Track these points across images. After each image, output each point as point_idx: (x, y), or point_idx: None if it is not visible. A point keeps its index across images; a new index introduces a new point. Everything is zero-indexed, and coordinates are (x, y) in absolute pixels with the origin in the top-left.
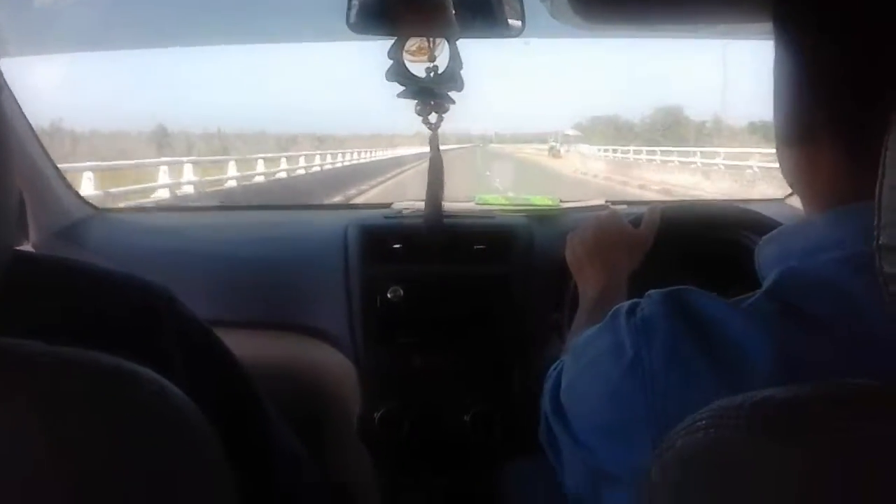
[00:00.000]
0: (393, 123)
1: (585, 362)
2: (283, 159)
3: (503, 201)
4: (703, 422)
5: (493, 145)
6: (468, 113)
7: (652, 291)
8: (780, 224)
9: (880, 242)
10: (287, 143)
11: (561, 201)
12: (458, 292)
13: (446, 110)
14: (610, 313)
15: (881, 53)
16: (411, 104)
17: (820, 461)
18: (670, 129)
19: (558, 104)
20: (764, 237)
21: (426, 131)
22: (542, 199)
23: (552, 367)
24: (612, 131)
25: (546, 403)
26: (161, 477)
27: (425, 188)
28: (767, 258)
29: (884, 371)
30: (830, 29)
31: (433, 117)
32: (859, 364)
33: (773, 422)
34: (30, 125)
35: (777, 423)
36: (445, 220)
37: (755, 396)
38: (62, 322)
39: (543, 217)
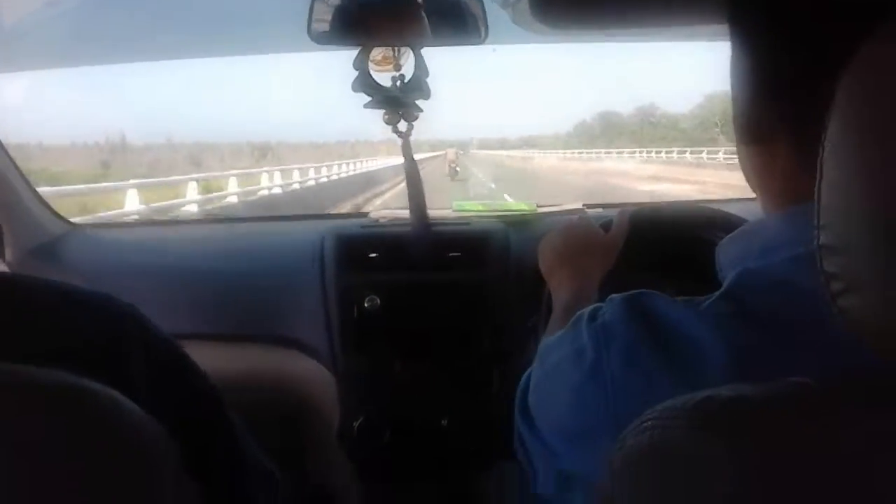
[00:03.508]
0: (356, 129)
1: (550, 366)
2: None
3: (480, 207)
4: (650, 422)
5: (476, 151)
6: (444, 119)
7: (613, 296)
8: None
9: (820, 242)
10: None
11: (538, 206)
12: (435, 300)
13: (415, 118)
14: (573, 319)
15: (829, 53)
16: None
17: (759, 458)
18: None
19: (541, 108)
20: (724, 238)
21: (395, 137)
22: (517, 204)
23: (525, 375)
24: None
25: (516, 406)
26: (114, 492)
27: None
28: (727, 258)
29: (838, 367)
30: (781, 30)
31: (402, 125)
32: (815, 361)
33: (714, 420)
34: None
35: (718, 421)
36: (412, 229)
37: (698, 396)
38: (28, 341)
39: (520, 222)
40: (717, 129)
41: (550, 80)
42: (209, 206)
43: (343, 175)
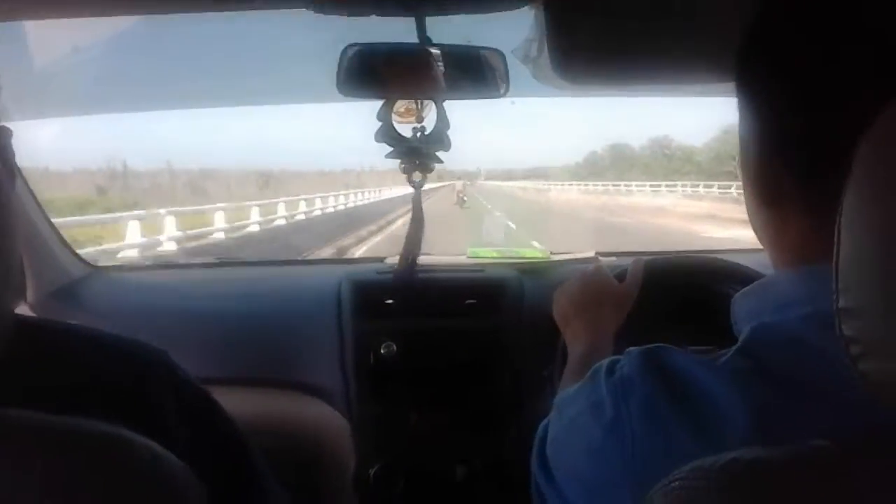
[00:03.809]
0: (362, 158)
1: (568, 419)
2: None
3: (494, 254)
4: (678, 482)
5: (484, 182)
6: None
7: (630, 349)
8: (763, 275)
9: (839, 305)
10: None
11: (551, 253)
12: (450, 347)
13: (431, 170)
14: (590, 372)
15: (842, 118)
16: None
17: None
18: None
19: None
20: (737, 293)
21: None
22: (532, 252)
23: (542, 425)
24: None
25: (534, 458)
26: None
27: None
28: (741, 312)
29: (851, 425)
30: (789, 91)
31: (417, 176)
32: (828, 418)
33: (739, 482)
34: (26, 182)
35: (743, 482)
36: (438, 275)
37: (724, 458)
38: (61, 389)
39: (533, 269)
40: (735, 163)
41: (558, 112)
42: (193, 244)
43: (352, 205)
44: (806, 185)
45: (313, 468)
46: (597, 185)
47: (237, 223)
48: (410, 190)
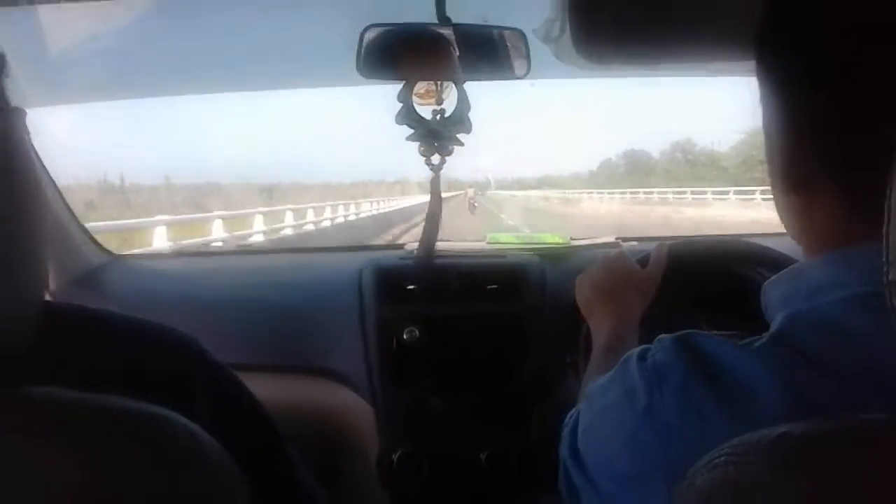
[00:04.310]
0: (370, 170)
1: (600, 409)
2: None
3: (514, 240)
4: (723, 458)
5: (496, 192)
6: (458, 158)
7: (662, 336)
8: (788, 257)
9: (890, 278)
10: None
11: (571, 239)
12: (473, 332)
13: (450, 153)
14: (622, 360)
15: (870, 97)
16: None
17: (837, 494)
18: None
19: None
20: (768, 280)
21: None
22: (552, 237)
23: (569, 414)
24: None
25: (564, 450)
26: None
27: None
28: (773, 300)
29: (891, 408)
30: (819, 77)
31: (436, 159)
32: (867, 403)
33: (789, 456)
34: (46, 171)
35: (793, 457)
36: (459, 261)
37: (774, 432)
38: (93, 373)
39: (554, 255)
40: (763, 168)
41: (569, 117)
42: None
43: (365, 214)
44: (835, 167)
45: (337, 454)
46: (647, 192)
47: (237, 233)
48: (415, 201)
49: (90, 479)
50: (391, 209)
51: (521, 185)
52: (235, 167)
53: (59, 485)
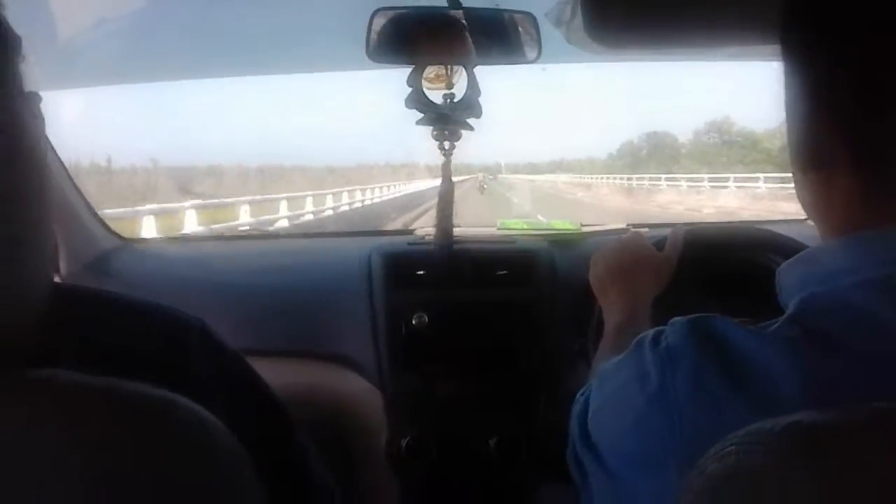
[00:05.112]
0: (376, 154)
1: (611, 390)
2: None
3: (524, 226)
4: (734, 447)
5: (507, 176)
6: (468, 142)
7: (675, 319)
8: (803, 245)
9: None
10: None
11: (581, 225)
12: (482, 318)
13: (459, 137)
14: (634, 341)
15: (893, 78)
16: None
17: (848, 483)
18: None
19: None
20: (783, 264)
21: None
22: (562, 224)
23: (580, 393)
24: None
25: (574, 430)
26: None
27: None
28: (788, 284)
29: None
30: (841, 55)
31: (447, 144)
32: (883, 386)
33: (802, 446)
34: (57, 155)
35: (804, 446)
36: (469, 246)
37: (784, 421)
38: (97, 354)
39: (564, 242)
40: None
41: (586, 97)
42: None
43: (370, 201)
44: (855, 149)
45: (346, 438)
46: (670, 178)
47: (263, 217)
48: (426, 185)
49: (96, 464)
50: (401, 194)
51: (533, 169)
52: (233, 149)
53: (64, 469)
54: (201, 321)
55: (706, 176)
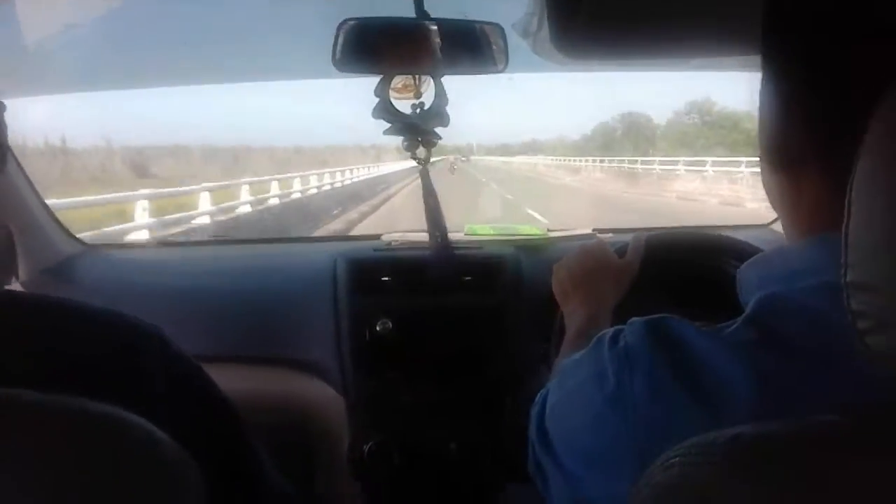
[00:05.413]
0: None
1: (569, 388)
2: None
3: (491, 231)
4: (679, 458)
5: (481, 158)
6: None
7: (634, 319)
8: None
9: (848, 280)
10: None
11: (548, 230)
12: (447, 324)
13: (434, 145)
14: (594, 340)
15: (865, 85)
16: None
17: (787, 498)
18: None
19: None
20: (745, 263)
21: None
22: (529, 229)
23: (539, 393)
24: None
25: (532, 431)
26: None
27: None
28: (748, 282)
29: (860, 397)
30: (818, 62)
31: (421, 152)
32: (838, 390)
33: (742, 459)
34: (16, 160)
35: (746, 460)
36: (430, 252)
37: (727, 434)
38: (49, 364)
39: (531, 246)
40: None
41: (559, 79)
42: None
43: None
44: (825, 153)
45: (308, 444)
46: (593, 160)
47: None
48: (397, 167)
49: (40, 482)
50: (371, 176)
51: (506, 150)
52: (201, 130)
53: (6, 487)
54: (158, 329)
55: (681, 159)
